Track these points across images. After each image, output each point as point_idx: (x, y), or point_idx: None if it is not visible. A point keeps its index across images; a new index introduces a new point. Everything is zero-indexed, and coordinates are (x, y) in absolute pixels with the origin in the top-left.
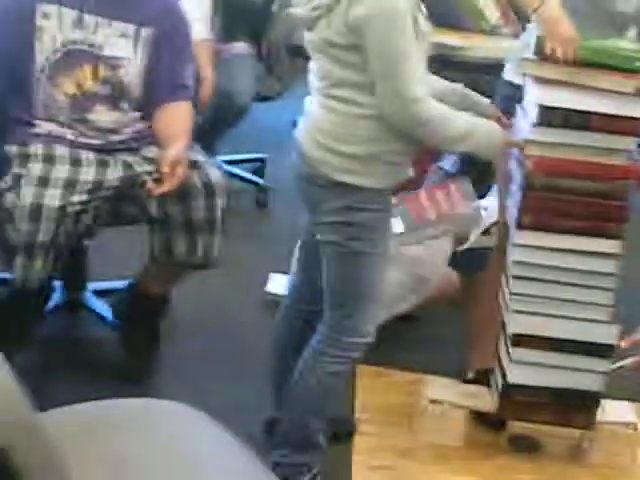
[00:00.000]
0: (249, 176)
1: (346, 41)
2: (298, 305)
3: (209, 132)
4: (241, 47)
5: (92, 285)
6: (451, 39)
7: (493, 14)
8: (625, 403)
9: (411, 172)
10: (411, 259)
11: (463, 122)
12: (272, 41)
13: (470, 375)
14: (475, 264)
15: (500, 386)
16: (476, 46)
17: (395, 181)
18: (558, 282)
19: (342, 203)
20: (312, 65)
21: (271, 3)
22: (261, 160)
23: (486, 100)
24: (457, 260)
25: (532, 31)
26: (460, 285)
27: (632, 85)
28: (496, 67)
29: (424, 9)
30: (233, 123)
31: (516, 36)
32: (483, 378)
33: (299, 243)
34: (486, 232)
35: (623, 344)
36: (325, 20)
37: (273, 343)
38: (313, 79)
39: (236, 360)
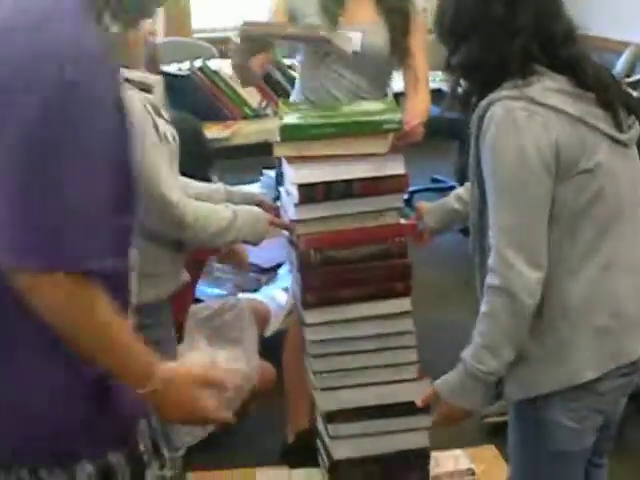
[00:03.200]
0: None
1: None
2: None
3: None
4: None
5: None
6: (211, 132)
7: (254, 97)
8: (458, 451)
9: (186, 277)
10: (229, 359)
11: (224, 214)
12: None
13: (291, 440)
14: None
15: (327, 464)
16: (239, 133)
17: (169, 291)
18: (359, 351)
19: None
20: None
21: None
22: None
23: (251, 190)
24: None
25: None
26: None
27: (386, 145)
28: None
29: (165, 113)
30: None
31: None
32: (303, 438)
33: None
34: (290, 313)
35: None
36: None
37: None
38: None
39: None
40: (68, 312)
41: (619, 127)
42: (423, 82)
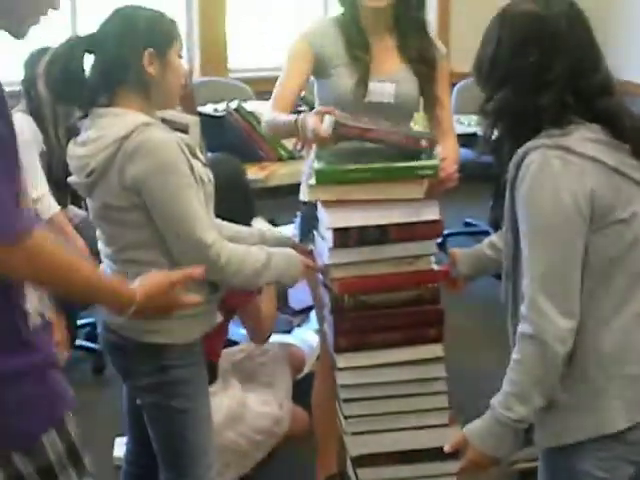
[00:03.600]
0: (83, 343)
1: (125, 202)
2: (135, 470)
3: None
4: (78, 211)
5: None
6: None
7: (289, 139)
8: None
9: (219, 317)
10: (260, 402)
11: (259, 256)
12: None
13: None
14: None
15: None
16: (274, 175)
17: (202, 331)
18: (390, 396)
19: (151, 364)
20: (98, 232)
21: None
22: (92, 324)
23: (286, 233)
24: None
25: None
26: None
27: (421, 190)
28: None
29: (201, 155)
30: None
31: None
32: None
33: (125, 409)
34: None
35: None
36: (101, 185)
37: None
38: (101, 246)
39: None
40: (30, 275)
41: None
42: (451, 128)
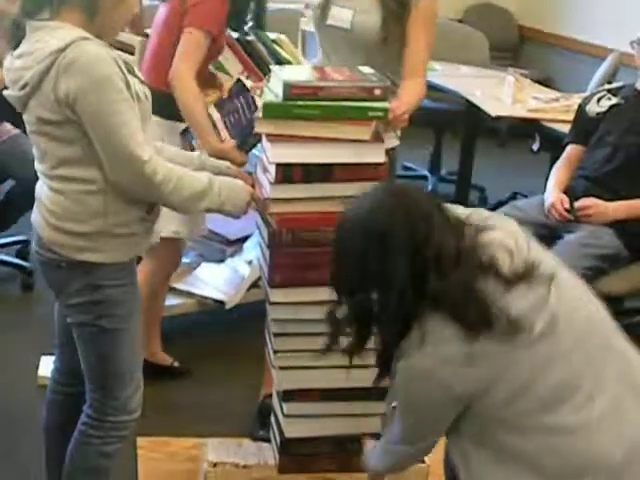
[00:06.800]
0: (13, 260)
1: (59, 116)
2: (62, 388)
3: (12, 214)
4: (11, 128)
5: None
6: None
7: (234, 68)
8: None
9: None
10: None
11: (200, 179)
12: None
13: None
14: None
15: (279, 441)
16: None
17: (137, 252)
18: (320, 334)
19: (83, 282)
20: (34, 148)
21: None
22: (24, 242)
23: (226, 163)
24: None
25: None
26: None
27: (369, 132)
28: None
29: (138, 71)
30: None
31: None
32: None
33: (56, 327)
34: (254, 286)
35: None
36: (35, 98)
37: (44, 428)
38: (37, 164)
39: (10, 450)
40: None
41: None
42: (416, 69)
